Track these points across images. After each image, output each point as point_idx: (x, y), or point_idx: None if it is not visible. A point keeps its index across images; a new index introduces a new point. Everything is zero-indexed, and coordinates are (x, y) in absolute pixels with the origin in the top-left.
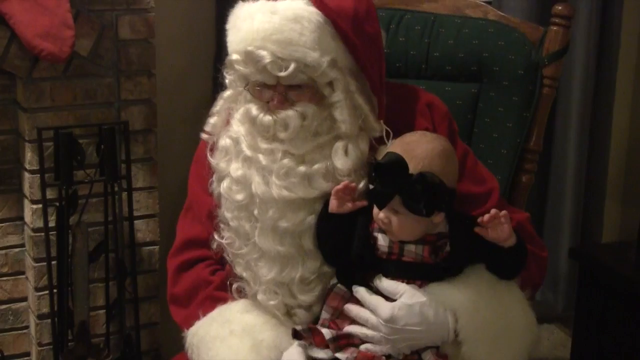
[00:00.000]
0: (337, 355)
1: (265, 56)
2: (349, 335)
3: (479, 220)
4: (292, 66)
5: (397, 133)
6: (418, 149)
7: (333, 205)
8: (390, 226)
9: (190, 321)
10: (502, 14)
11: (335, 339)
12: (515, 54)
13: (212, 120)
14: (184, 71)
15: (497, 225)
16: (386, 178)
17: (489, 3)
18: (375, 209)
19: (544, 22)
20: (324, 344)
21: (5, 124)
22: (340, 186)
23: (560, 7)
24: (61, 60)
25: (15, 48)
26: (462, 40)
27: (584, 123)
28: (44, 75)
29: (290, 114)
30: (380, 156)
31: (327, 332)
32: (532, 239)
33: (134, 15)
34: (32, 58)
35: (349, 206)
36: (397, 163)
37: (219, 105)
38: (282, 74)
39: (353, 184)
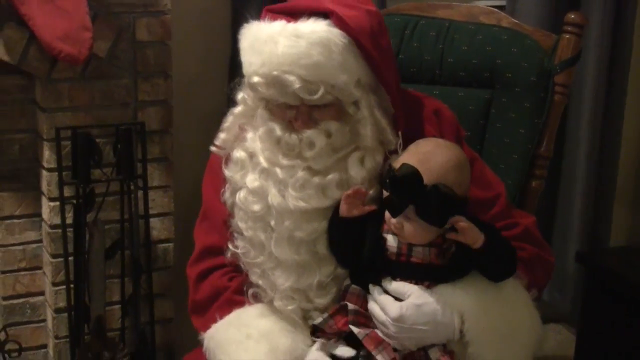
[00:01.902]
0: (352, 327)
1: (295, 81)
2: (369, 318)
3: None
4: (321, 90)
5: (405, 140)
6: (433, 160)
7: (343, 209)
8: (402, 231)
9: (208, 324)
10: (516, 21)
11: (356, 312)
12: (527, 61)
13: (223, 135)
14: (200, 73)
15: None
16: (401, 189)
17: (502, 9)
18: (388, 214)
19: (557, 29)
20: (346, 327)
21: (24, 124)
22: (350, 191)
23: (572, 16)
24: (79, 61)
25: (35, 49)
26: (475, 47)
27: (595, 128)
28: (62, 76)
29: (315, 133)
30: (394, 162)
31: (351, 306)
32: (538, 243)
33: (150, 17)
34: (50, 59)
35: (358, 211)
36: (413, 175)
37: (230, 121)
38: (313, 97)
39: (363, 190)
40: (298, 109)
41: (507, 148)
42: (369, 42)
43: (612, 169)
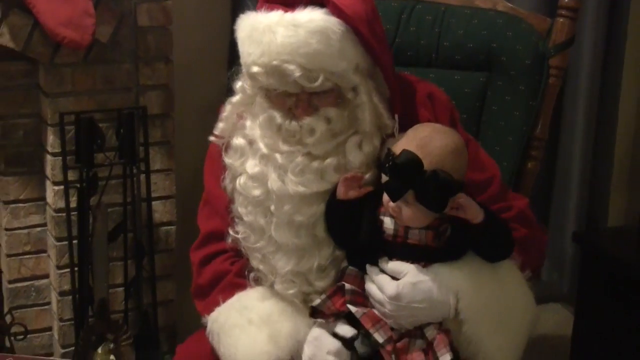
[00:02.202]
0: (349, 306)
1: (295, 70)
2: (366, 297)
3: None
4: (321, 77)
5: (400, 124)
6: (431, 145)
7: (340, 192)
8: (400, 215)
9: (211, 307)
10: (511, 5)
11: (354, 292)
12: (522, 44)
13: (221, 125)
14: (201, 57)
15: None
16: (401, 175)
17: None
18: (386, 198)
19: (553, 13)
20: (344, 307)
21: (27, 108)
22: (348, 175)
23: (567, 0)
24: (82, 47)
25: (38, 35)
26: (471, 31)
27: (591, 110)
28: (65, 61)
29: (315, 119)
30: (392, 145)
31: (348, 286)
32: (531, 224)
33: (152, 3)
34: (54, 44)
35: (354, 193)
36: (413, 162)
37: (228, 110)
38: (313, 85)
39: (360, 174)
40: (298, 97)
41: (503, 130)
42: (366, 28)
43: (608, 150)
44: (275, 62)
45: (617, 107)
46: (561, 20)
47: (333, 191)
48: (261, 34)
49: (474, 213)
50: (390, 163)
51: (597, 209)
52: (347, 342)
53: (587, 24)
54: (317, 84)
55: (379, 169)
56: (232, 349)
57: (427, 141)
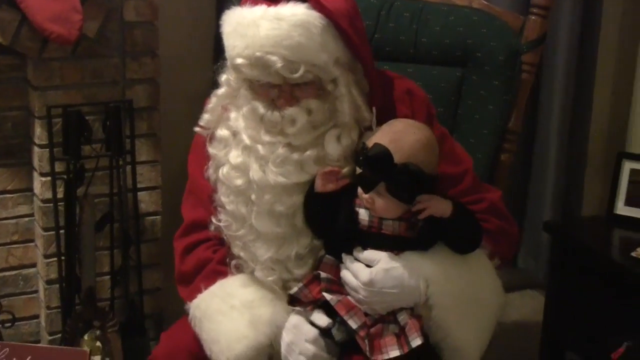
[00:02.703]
0: (325, 294)
1: (277, 61)
2: (341, 285)
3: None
4: (302, 68)
5: (378, 119)
6: (404, 139)
7: (318, 184)
8: (374, 206)
9: (194, 294)
10: (486, 2)
11: (329, 280)
12: (496, 41)
13: (207, 116)
14: (186, 52)
15: (430, 206)
16: (373, 167)
17: None
18: (360, 191)
19: (527, 11)
20: (320, 295)
21: (16, 101)
22: (326, 169)
23: None
24: (70, 42)
25: (26, 30)
26: (448, 27)
27: (566, 102)
28: (53, 55)
29: (296, 110)
30: (367, 139)
31: (323, 275)
32: (502, 216)
33: None
34: (42, 39)
35: (332, 186)
36: (384, 154)
37: (213, 102)
38: (294, 75)
39: (337, 168)
40: (280, 88)
41: (478, 123)
42: (346, 22)
43: (582, 142)
44: (258, 54)
45: (592, 99)
46: (533, 18)
47: (312, 184)
48: (246, 28)
49: (440, 209)
50: (364, 156)
51: (572, 199)
52: (323, 331)
53: (563, 21)
54: (298, 75)
55: (355, 162)
56: (213, 334)
57: (400, 135)
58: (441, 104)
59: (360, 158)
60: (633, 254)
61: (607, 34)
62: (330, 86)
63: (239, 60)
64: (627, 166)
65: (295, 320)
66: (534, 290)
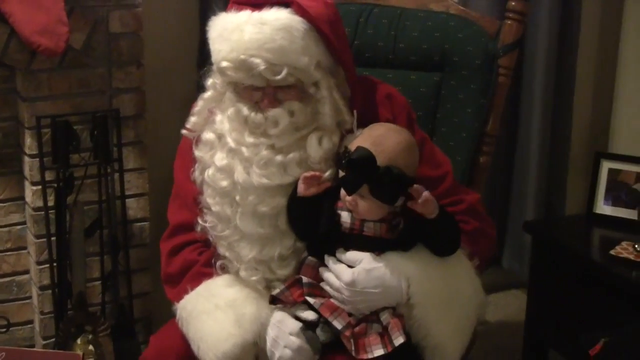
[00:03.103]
0: (308, 298)
1: (260, 63)
2: (323, 290)
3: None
4: (284, 71)
5: (360, 122)
6: (385, 143)
7: (301, 188)
8: (357, 208)
9: (180, 296)
10: (463, 8)
11: (311, 285)
12: (473, 45)
13: (193, 119)
14: (171, 61)
15: (425, 201)
16: (356, 169)
17: None
18: (344, 192)
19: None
20: (302, 298)
21: (6, 112)
22: (308, 174)
23: (514, 3)
24: (57, 54)
25: (15, 43)
26: (425, 33)
27: (547, 103)
28: (41, 67)
29: (279, 112)
30: (349, 143)
31: (305, 279)
32: (481, 217)
33: (123, 10)
34: (30, 51)
35: (314, 190)
36: (367, 158)
37: (200, 105)
38: (276, 77)
39: (319, 173)
40: (264, 91)
41: (456, 127)
42: (328, 28)
43: (564, 142)
44: (242, 57)
45: (572, 99)
46: (509, 22)
47: (294, 187)
48: (230, 32)
49: (431, 209)
50: (347, 159)
51: (554, 200)
52: (308, 324)
53: (542, 22)
54: (280, 77)
55: (337, 165)
56: (199, 333)
57: (381, 139)
58: (421, 108)
59: (343, 161)
60: (612, 252)
61: (587, 33)
62: (312, 89)
63: (224, 64)
64: (605, 166)
65: (279, 316)
66: (518, 290)
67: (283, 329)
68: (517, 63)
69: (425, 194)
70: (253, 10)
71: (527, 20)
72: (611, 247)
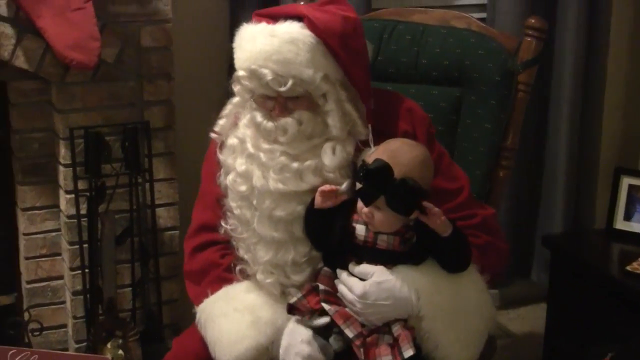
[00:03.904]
0: (323, 304)
1: (267, 74)
2: (338, 297)
3: (426, 210)
4: (290, 82)
5: (380, 134)
6: (401, 156)
7: (318, 201)
8: (373, 220)
9: (201, 299)
10: (483, 25)
11: (327, 292)
12: (492, 62)
13: (221, 122)
14: (200, 74)
15: (437, 218)
16: (374, 180)
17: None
18: (360, 204)
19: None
20: (318, 306)
21: (42, 123)
22: (325, 188)
23: (533, 20)
24: (89, 68)
25: (50, 57)
26: (447, 49)
27: (575, 115)
28: (75, 80)
29: (288, 121)
30: (366, 157)
31: (322, 287)
32: (493, 232)
33: (154, 25)
34: (64, 65)
35: (330, 203)
36: (384, 169)
37: (228, 109)
38: (282, 89)
39: (335, 188)
40: (276, 100)
41: (476, 141)
42: (337, 42)
43: (592, 155)
44: (253, 67)
45: (602, 112)
46: (528, 39)
47: (312, 199)
48: (246, 42)
49: (444, 227)
50: (364, 170)
51: (582, 213)
52: (322, 332)
53: (569, 27)
54: (285, 88)
55: (354, 178)
56: (216, 335)
57: (397, 153)
58: (442, 123)
59: (361, 174)
60: (628, 267)
61: (616, 44)
62: (320, 101)
63: (240, 73)
64: (625, 181)
65: (292, 325)
66: (545, 304)
67: (295, 337)
68: (544, 75)
69: (436, 209)
70: (269, 23)
71: (546, 37)
72: (628, 263)
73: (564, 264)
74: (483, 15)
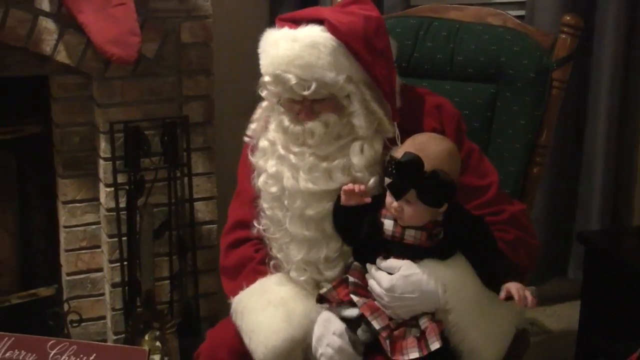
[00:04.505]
0: (352, 296)
1: (291, 79)
2: (367, 290)
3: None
4: (313, 85)
5: (408, 132)
6: (429, 149)
7: (343, 199)
8: (402, 214)
9: (236, 291)
10: (519, 22)
11: (356, 284)
12: (528, 58)
13: (253, 126)
14: (239, 69)
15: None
16: (404, 174)
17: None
18: (389, 199)
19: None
20: (347, 297)
21: (83, 117)
22: (349, 187)
23: (568, 17)
24: (129, 63)
25: (91, 52)
26: (482, 46)
27: (613, 112)
28: (115, 75)
29: (315, 124)
30: (394, 153)
31: (351, 279)
32: (523, 228)
33: (193, 21)
34: (105, 60)
35: (355, 201)
36: (415, 161)
37: (258, 113)
38: (306, 92)
39: (362, 187)
40: (302, 103)
41: (511, 138)
42: (359, 43)
43: (631, 151)
44: (277, 72)
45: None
46: (563, 36)
47: (339, 196)
48: (269, 47)
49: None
50: (394, 164)
51: (621, 210)
52: (352, 324)
53: (608, 24)
54: (309, 92)
55: (384, 173)
56: (251, 327)
57: (425, 146)
58: (477, 119)
59: (390, 169)
60: None
61: None
62: (345, 102)
63: (266, 78)
64: None
65: (326, 315)
66: None
67: (328, 328)
68: (583, 72)
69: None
70: (290, 27)
71: (580, 34)
72: None
73: (598, 260)
74: (521, 12)
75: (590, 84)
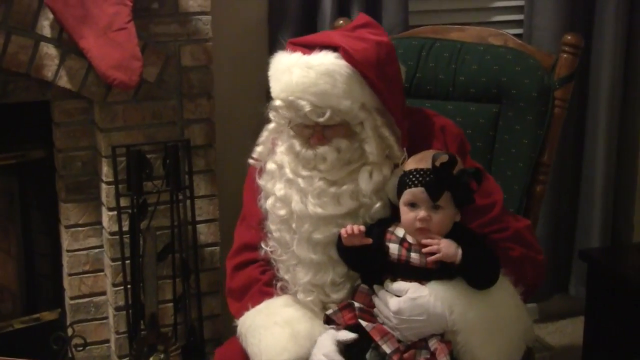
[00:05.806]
0: (360, 321)
1: (305, 105)
2: (372, 314)
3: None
4: (328, 113)
5: (413, 154)
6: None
7: (344, 241)
8: (430, 223)
9: (242, 312)
10: (520, 42)
11: (362, 310)
12: (529, 78)
13: (259, 148)
14: (240, 92)
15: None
16: (443, 173)
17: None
18: (410, 215)
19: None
20: (353, 321)
21: (85, 141)
22: (347, 229)
23: (569, 37)
24: (131, 87)
25: (92, 77)
26: (484, 66)
27: (612, 130)
28: (117, 99)
29: (327, 149)
30: (398, 172)
31: (357, 304)
32: (528, 245)
33: (194, 45)
34: (106, 85)
35: (357, 242)
36: (451, 159)
37: (264, 136)
38: (321, 119)
39: (362, 227)
40: (314, 128)
41: (513, 157)
42: (373, 72)
43: (630, 168)
44: (291, 98)
45: (638, 127)
46: (565, 56)
47: (339, 235)
48: (282, 73)
49: (449, 255)
50: (431, 169)
51: (620, 227)
52: (352, 349)
53: (606, 43)
54: (323, 119)
55: (400, 187)
56: (257, 346)
57: (427, 155)
58: (480, 139)
59: (418, 177)
60: None
61: None
62: (358, 128)
63: (277, 102)
64: None
65: (323, 336)
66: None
67: (319, 348)
68: (582, 89)
69: (435, 240)
70: (304, 53)
71: (581, 53)
72: None
73: (601, 277)
74: (519, 31)
75: (588, 104)
